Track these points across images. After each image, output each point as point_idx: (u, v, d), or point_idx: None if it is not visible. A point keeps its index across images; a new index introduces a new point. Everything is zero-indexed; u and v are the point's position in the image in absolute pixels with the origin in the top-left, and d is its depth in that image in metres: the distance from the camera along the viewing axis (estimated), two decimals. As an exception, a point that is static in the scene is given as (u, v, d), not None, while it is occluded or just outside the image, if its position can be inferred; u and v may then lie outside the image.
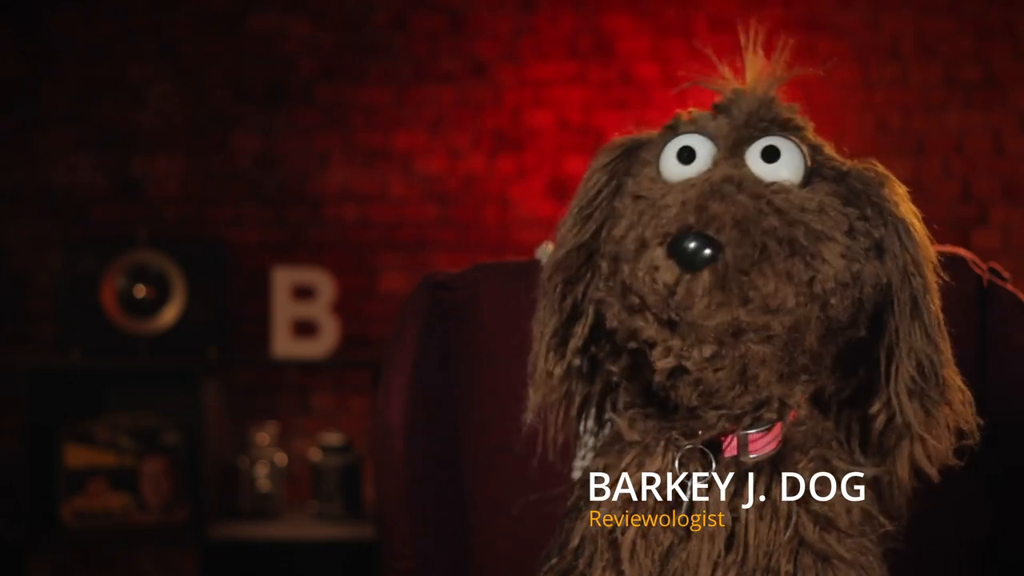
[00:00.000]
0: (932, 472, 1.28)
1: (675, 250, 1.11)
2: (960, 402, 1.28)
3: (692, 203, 1.15)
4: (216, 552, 4.15)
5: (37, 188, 4.66)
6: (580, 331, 1.33)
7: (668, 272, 1.12)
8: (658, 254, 1.13)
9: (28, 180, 4.66)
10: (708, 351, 1.16)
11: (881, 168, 1.30)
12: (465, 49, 4.71)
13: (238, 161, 4.69)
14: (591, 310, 1.32)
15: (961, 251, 1.83)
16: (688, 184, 1.20)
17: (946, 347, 1.27)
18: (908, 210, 1.27)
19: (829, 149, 1.31)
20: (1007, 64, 4.71)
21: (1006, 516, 1.79)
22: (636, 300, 1.17)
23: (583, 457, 1.71)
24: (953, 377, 1.27)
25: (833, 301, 1.18)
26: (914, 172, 4.60)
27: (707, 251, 1.10)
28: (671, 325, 1.16)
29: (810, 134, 1.30)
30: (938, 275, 1.27)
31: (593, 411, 1.40)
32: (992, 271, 1.83)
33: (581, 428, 1.41)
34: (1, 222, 4.65)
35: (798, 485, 1.27)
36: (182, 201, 4.68)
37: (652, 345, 1.19)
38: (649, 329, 1.18)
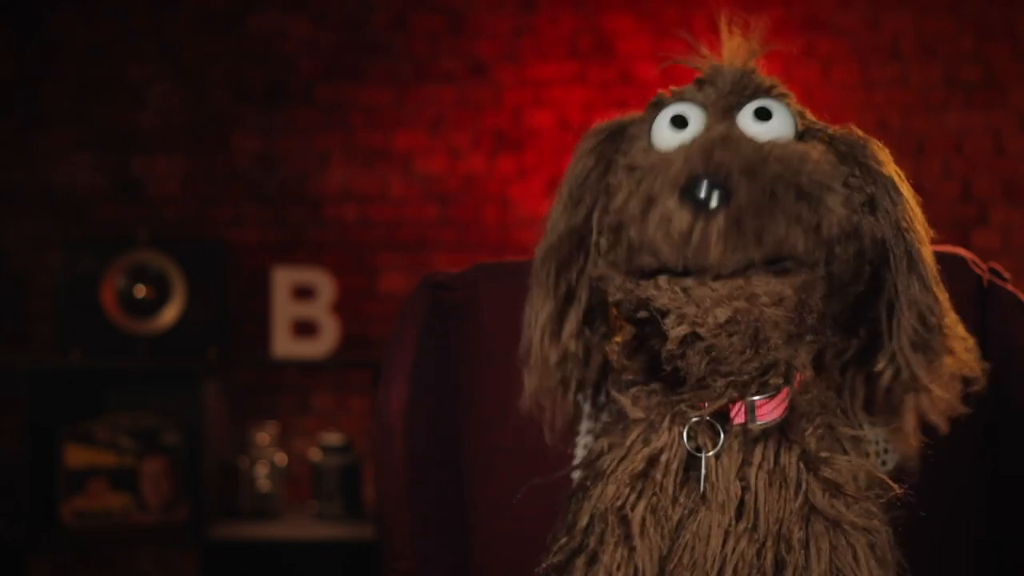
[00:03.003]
0: (941, 422, 1.29)
1: (688, 195, 1.11)
2: (963, 349, 1.29)
3: (697, 153, 1.15)
4: (216, 552, 4.14)
5: (37, 188, 4.66)
6: (575, 315, 1.33)
7: (682, 218, 1.12)
8: (670, 203, 1.13)
9: (28, 180, 4.66)
10: (723, 316, 1.16)
11: (860, 132, 1.32)
12: (465, 49, 4.71)
13: (238, 161, 4.69)
14: (585, 294, 1.32)
15: (961, 251, 1.82)
16: (687, 144, 1.20)
17: (944, 297, 1.28)
18: (893, 169, 1.30)
19: (811, 115, 1.32)
20: (1007, 64, 4.71)
21: (1009, 516, 1.79)
22: (648, 259, 1.16)
23: (585, 435, 1.71)
24: (954, 326, 1.29)
25: (838, 251, 1.18)
26: (914, 172, 4.54)
27: (720, 192, 1.11)
28: (684, 291, 1.16)
29: (793, 102, 1.31)
30: (929, 232, 1.29)
31: (590, 393, 1.40)
32: (992, 271, 1.82)
33: (578, 412, 1.41)
34: (1, 222, 4.65)
35: (805, 452, 1.27)
36: (182, 201, 4.68)
37: (665, 313, 1.19)
38: (662, 297, 1.18)
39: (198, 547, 4.12)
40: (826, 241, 1.16)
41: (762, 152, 1.16)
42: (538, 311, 1.34)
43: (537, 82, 4.68)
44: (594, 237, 1.29)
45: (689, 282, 1.16)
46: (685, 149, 1.18)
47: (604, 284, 1.26)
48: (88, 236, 4.60)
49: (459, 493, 1.88)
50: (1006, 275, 1.84)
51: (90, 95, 4.69)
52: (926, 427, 1.30)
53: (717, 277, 1.15)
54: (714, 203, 1.10)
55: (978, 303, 1.78)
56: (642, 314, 1.23)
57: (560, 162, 4.59)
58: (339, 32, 4.73)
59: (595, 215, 1.30)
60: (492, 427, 1.82)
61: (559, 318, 1.34)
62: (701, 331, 1.17)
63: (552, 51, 4.69)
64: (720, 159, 1.13)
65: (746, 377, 1.24)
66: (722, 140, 1.17)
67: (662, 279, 1.17)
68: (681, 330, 1.18)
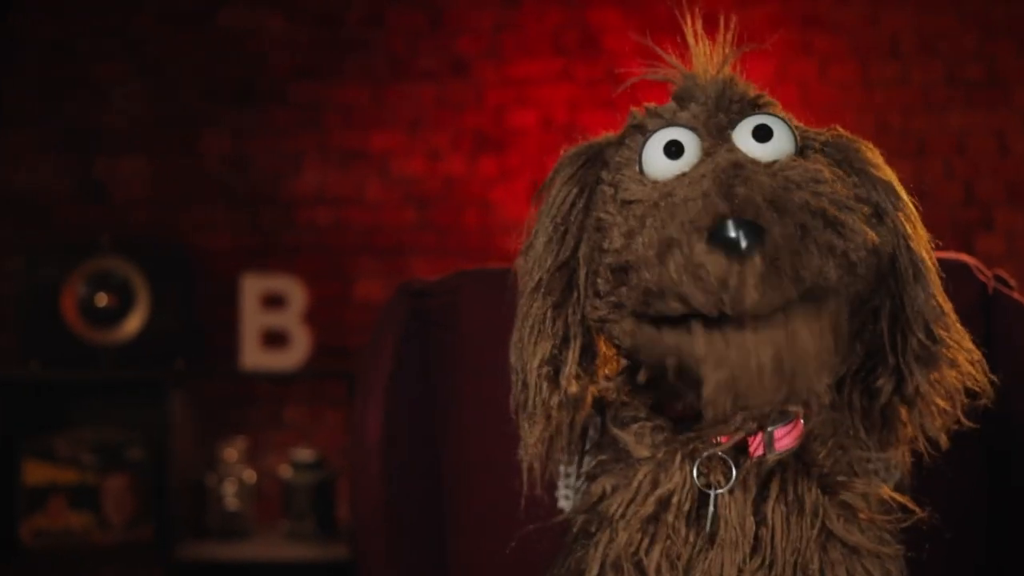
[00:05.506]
0: (941, 438, 1.29)
1: (719, 239, 1.07)
2: (967, 362, 1.28)
3: (715, 191, 1.11)
4: (182, 573, 4.13)
5: (-4, 191, 4.65)
6: (572, 356, 1.29)
7: (716, 264, 1.07)
8: (699, 249, 1.08)
9: (-13, 183, 4.65)
10: (766, 358, 1.11)
11: (847, 133, 1.30)
12: (445, 46, 4.70)
13: (207, 163, 4.68)
14: (580, 332, 1.29)
15: (964, 257, 1.82)
16: (696, 176, 1.17)
17: (949, 307, 1.27)
18: (890, 172, 1.28)
19: (798, 122, 1.30)
20: (1011, 62, 4.72)
21: (1013, 529, 1.79)
22: (674, 304, 1.12)
23: (567, 475, 1.70)
24: (961, 337, 1.28)
25: (861, 271, 1.15)
26: (915, 174, 4.60)
27: (750, 232, 1.07)
28: (723, 336, 1.12)
29: (779, 109, 1.29)
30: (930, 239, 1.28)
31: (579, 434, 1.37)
32: (997, 278, 1.82)
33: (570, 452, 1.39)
34: (-42, 227, 4.64)
35: (822, 477, 1.27)
36: (148, 205, 4.66)
37: (700, 359, 1.14)
38: (698, 343, 1.13)
39: (163, 568, 4.11)
40: (853, 265, 1.14)
41: (779, 179, 1.13)
42: (531, 354, 1.30)
43: (520, 80, 4.67)
44: (582, 274, 1.27)
45: (726, 327, 1.12)
46: (697, 185, 1.15)
47: (609, 327, 1.24)
48: (49, 242, 4.58)
49: (439, 510, 1.88)
50: (1012, 282, 1.83)
51: (52, 94, 4.67)
52: (928, 442, 1.30)
53: (755, 318, 1.12)
54: (745, 245, 1.07)
55: (983, 311, 1.78)
56: (670, 360, 1.19)
57: (544, 164, 4.56)
58: (314, 28, 4.72)
59: (582, 250, 1.27)
60: (473, 442, 1.81)
61: (555, 361, 1.30)
62: (742, 375, 1.13)
63: (536, 48, 4.68)
64: (744, 195, 1.10)
65: (767, 409, 1.23)
66: (735, 171, 1.14)
67: (695, 325, 1.13)
68: (722, 375, 1.13)
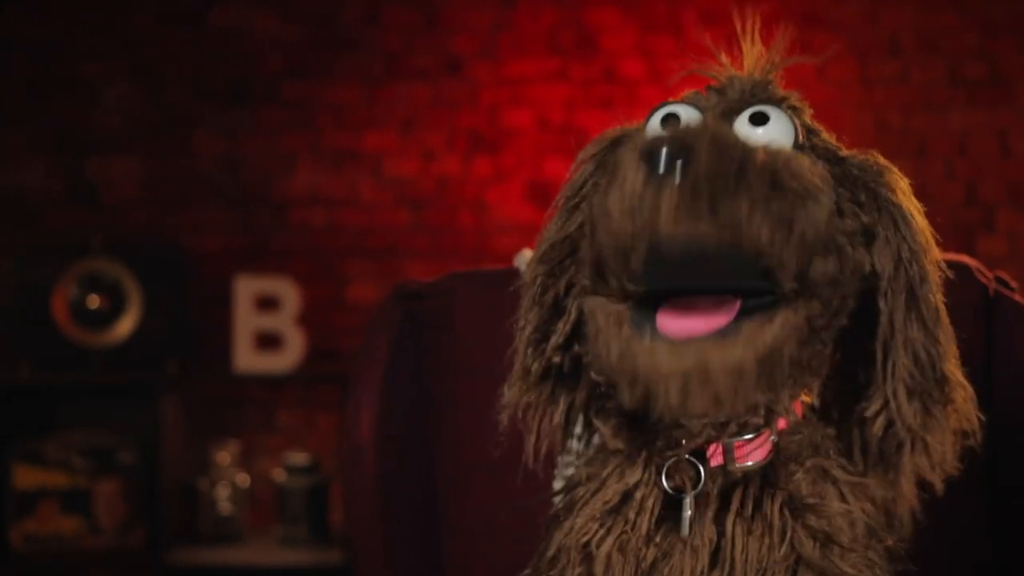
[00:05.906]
0: (936, 481, 1.25)
1: (647, 155, 1.09)
2: (963, 399, 1.24)
3: (670, 128, 1.13)
4: (174, 578, 4.13)
5: (-15, 192, 4.64)
6: (562, 328, 1.31)
7: (636, 180, 1.09)
8: (628, 168, 1.10)
9: (-24, 184, 4.64)
10: (674, 390, 1.11)
11: (882, 160, 1.29)
12: (440, 45, 4.70)
13: (199, 163, 4.67)
14: (575, 306, 1.30)
15: (965, 258, 1.81)
16: None
17: (947, 341, 1.23)
18: (907, 200, 1.26)
19: (827, 136, 1.30)
20: (1013, 60, 4.72)
21: (1014, 537, 1.78)
22: (602, 236, 1.14)
23: (567, 466, 1.70)
24: (955, 372, 1.24)
25: (817, 266, 1.14)
26: (916, 174, 4.52)
27: (680, 161, 1.07)
28: (631, 355, 1.12)
29: (807, 116, 1.30)
30: (941, 271, 1.25)
31: (581, 417, 1.38)
32: (999, 280, 1.82)
33: (566, 436, 1.39)
34: (-52, 228, 4.64)
35: (791, 498, 1.25)
36: (140, 206, 4.66)
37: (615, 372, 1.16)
38: (612, 354, 1.14)
39: (155, 573, 4.11)
40: (800, 247, 1.12)
41: (739, 141, 1.12)
42: (525, 320, 1.32)
43: (516, 80, 4.67)
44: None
45: (635, 344, 1.13)
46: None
47: (582, 303, 1.25)
48: (40, 243, 4.57)
49: (434, 514, 1.88)
50: (1013, 284, 1.83)
51: (42, 93, 4.67)
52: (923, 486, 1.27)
53: (668, 260, 1.10)
54: (671, 163, 1.07)
55: (983, 314, 1.78)
56: (595, 365, 1.22)
57: (540, 164, 4.58)
58: (307, 27, 4.72)
59: (587, 226, 1.28)
60: (467, 444, 1.81)
61: (546, 329, 1.32)
62: (654, 395, 1.12)
63: (532, 47, 4.68)
64: (691, 132, 1.10)
65: (722, 418, 1.22)
66: (701, 124, 1.14)
67: (611, 332, 1.14)
68: (632, 399, 1.14)
